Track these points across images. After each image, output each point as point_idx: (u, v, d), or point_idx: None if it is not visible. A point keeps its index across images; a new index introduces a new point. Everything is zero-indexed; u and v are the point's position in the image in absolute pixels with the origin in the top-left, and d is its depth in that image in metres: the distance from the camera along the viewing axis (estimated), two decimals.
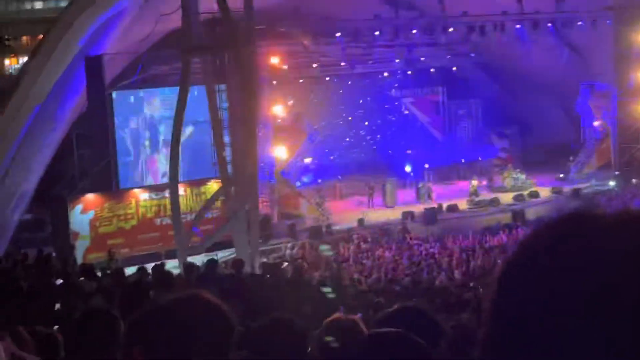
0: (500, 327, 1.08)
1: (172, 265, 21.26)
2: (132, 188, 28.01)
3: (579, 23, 33.83)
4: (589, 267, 1.02)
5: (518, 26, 33.73)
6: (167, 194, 25.32)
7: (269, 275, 13.58)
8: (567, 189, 34.51)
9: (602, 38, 35.03)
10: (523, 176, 36.30)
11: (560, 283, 1.03)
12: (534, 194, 34.27)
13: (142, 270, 12.83)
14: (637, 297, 0.98)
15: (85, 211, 26.09)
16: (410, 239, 28.15)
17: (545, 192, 34.47)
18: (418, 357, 2.57)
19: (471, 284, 19.07)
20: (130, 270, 15.65)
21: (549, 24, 33.82)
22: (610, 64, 36.49)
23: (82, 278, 12.17)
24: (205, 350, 1.78)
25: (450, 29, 33.43)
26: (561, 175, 36.82)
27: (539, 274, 1.05)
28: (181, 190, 25.33)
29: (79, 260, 22.05)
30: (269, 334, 3.31)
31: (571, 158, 37.53)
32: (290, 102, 35.20)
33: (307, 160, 35.40)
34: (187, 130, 28.23)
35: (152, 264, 14.42)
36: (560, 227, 1.10)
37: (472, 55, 38.65)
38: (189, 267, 12.84)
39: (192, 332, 1.77)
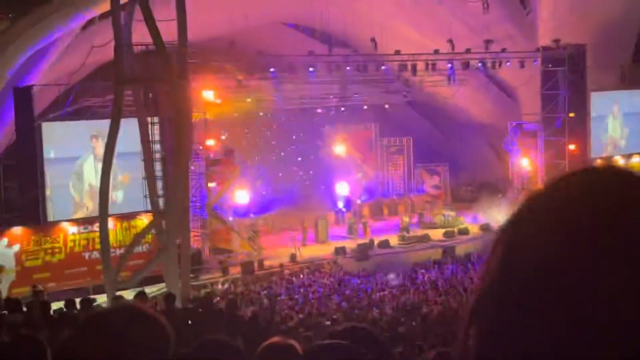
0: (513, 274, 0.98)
1: (101, 301, 20.85)
2: (60, 221, 27.40)
3: (508, 64, 34.59)
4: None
5: (449, 65, 34.33)
6: (96, 227, 24.85)
7: (200, 309, 13.41)
8: (495, 226, 34.97)
9: (530, 78, 35.87)
10: (453, 213, 36.73)
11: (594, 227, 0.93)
12: (464, 231, 34.65)
13: (69, 302, 12.51)
14: None
15: (11, 245, 25.46)
16: (343, 274, 28.19)
17: (474, 229, 34.87)
18: None
19: (402, 319, 19.14)
20: (57, 305, 15.27)
21: (479, 64, 34.48)
22: (537, 104, 37.34)
23: (6, 312, 11.82)
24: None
25: (383, 67, 33.87)
26: None
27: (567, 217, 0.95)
28: (111, 224, 24.89)
29: (4, 295, 21.43)
30: (202, 355, 3.24)
31: (500, 195, 38.12)
32: (224, 137, 35.08)
33: (240, 195, 35.15)
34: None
35: (80, 299, 14.09)
36: (588, 175, 1.00)
37: (404, 93, 39.13)
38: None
39: (128, 341, 1.72)
